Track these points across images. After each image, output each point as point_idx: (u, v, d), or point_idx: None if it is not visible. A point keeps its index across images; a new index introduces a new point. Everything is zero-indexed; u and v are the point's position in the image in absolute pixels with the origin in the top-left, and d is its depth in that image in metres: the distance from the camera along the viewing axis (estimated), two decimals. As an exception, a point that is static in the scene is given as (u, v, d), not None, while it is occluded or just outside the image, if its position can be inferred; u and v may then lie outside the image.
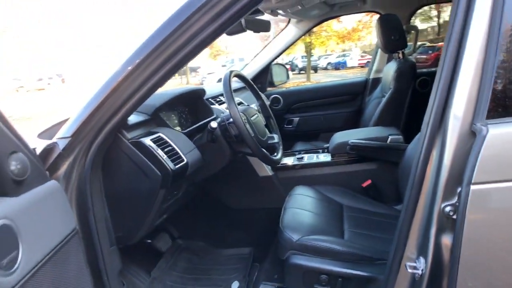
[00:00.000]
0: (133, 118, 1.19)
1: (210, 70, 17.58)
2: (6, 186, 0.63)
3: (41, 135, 1.00)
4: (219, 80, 1.82)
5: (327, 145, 1.85)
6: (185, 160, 1.23)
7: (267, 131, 1.52)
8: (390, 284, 0.82)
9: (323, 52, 19.29)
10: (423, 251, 0.74)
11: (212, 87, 2.02)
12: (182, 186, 1.39)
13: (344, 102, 2.48)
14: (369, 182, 1.65)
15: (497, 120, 0.64)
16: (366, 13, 2.47)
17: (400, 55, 1.89)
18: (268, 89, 2.54)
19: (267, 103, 2.43)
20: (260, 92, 1.68)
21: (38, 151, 0.86)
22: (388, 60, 2.26)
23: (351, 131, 1.88)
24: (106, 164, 1.02)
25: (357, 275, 1.07)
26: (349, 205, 1.43)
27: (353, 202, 1.45)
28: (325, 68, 18.47)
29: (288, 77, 2.65)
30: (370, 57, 2.55)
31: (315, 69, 17.72)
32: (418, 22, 6.64)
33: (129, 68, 0.86)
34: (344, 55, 18.81)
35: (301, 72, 17.35)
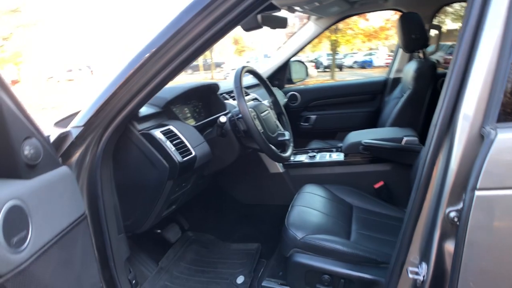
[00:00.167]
0: (144, 110, 1.22)
1: (235, 66, 17.68)
2: (19, 169, 0.67)
3: (58, 124, 1.05)
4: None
5: (341, 144, 1.83)
6: (193, 153, 1.25)
7: (278, 127, 1.52)
8: None
9: (349, 50, 18.90)
10: (426, 256, 0.72)
11: (230, 82, 2.03)
12: (190, 179, 1.41)
13: (362, 102, 2.43)
14: (381, 183, 1.62)
15: (508, 124, 0.61)
16: (389, 11, 2.38)
17: (421, 55, 1.83)
18: (286, 85, 2.52)
19: (285, 100, 2.42)
20: (274, 89, 1.67)
21: (52, 139, 0.90)
22: (410, 60, 2.20)
23: (365, 130, 1.84)
24: (116, 154, 1.05)
25: (360, 277, 1.05)
26: (359, 206, 1.41)
27: (363, 203, 1.42)
28: (351, 67, 18.09)
29: (307, 74, 2.61)
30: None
31: (340, 67, 17.44)
32: (449, 21, 6.34)
33: (141, 61, 0.88)
34: (370, 54, 18.33)
35: (326, 70, 17.10)
